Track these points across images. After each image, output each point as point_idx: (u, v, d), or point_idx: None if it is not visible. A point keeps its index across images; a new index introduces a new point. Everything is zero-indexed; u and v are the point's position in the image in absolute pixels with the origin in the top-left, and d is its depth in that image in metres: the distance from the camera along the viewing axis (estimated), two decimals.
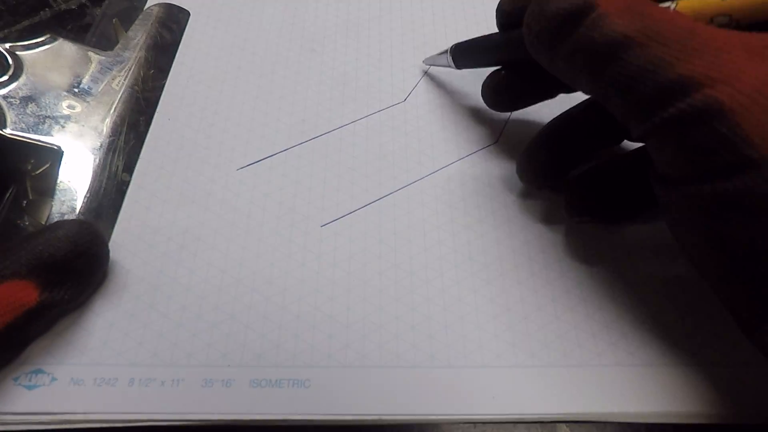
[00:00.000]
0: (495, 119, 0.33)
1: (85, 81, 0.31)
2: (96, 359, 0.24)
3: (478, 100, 0.34)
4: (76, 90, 0.31)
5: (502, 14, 0.26)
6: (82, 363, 0.23)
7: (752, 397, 0.24)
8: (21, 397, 0.22)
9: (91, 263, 0.24)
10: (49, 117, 0.29)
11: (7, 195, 0.29)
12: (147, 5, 0.37)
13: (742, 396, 0.24)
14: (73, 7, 0.39)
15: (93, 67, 0.32)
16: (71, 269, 0.23)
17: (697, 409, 0.23)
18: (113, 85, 0.32)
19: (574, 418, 0.23)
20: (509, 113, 0.33)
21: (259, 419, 0.23)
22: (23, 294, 0.22)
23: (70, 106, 0.30)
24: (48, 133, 0.29)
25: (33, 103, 0.29)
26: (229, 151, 0.31)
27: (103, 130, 0.30)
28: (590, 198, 0.26)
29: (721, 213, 0.18)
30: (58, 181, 0.28)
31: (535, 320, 0.25)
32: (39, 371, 0.23)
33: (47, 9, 0.38)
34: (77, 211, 0.27)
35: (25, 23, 0.37)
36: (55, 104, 0.30)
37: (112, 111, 0.31)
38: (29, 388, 0.23)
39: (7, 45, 0.30)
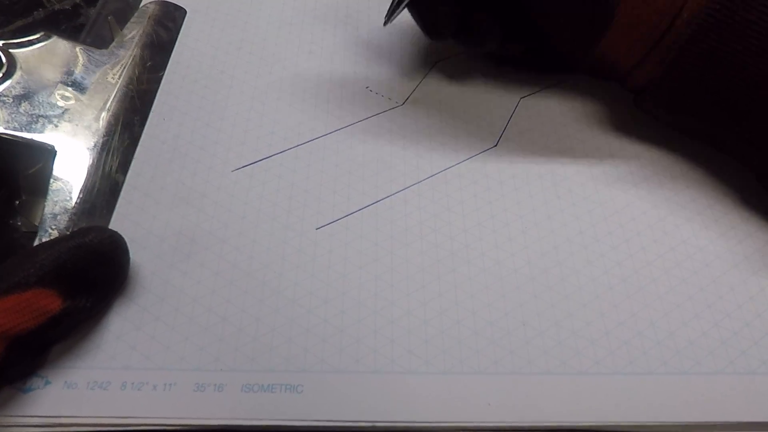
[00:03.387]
0: (494, 123, 0.33)
1: (79, 75, 0.32)
2: (89, 363, 0.24)
3: (478, 103, 0.34)
4: (69, 84, 0.31)
5: None
6: (76, 366, 0.24)
7: (756, 405, 0.24)
8: (16, 400, 0.23)
9: (114, 272, 0.25)
10: (42, 116, 0.30)
11: None
12: (143, 3, 0.38)
13: (742, 403, 0.24)
14: (67, 7, 0.39)
15: (87, 64, 0.33)
16: (94, 278, 0.24)
17: (697, 418, 0.24)
18: (108, 79, 0.32)
19: (571, 427, 0.23)
20: (509, 116, 0.34)
21: (250, 425, 0.23)
22: (47, 301, 0.22)
23: (63, 99, 0.31)
24: (41, 132, 0.29)
25: (26, 102, 0.30)
26: (224, 152, 0.31)
27: (96, 129, 0.31)
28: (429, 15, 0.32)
29: None
30: (51, 181, 0.28)
31: (534, 326, 0.26)
32: (34, 374, 0.23)
33: (41, 9, 0.39)
34: (70, 211, 0.28)
35: (19, 23, 0.38)
36: (48, 102, 0.30)
37: (106, 109, 0.31)
38: (24, 391, 0.23)
39: (0, 43, 0.31)
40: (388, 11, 0.32)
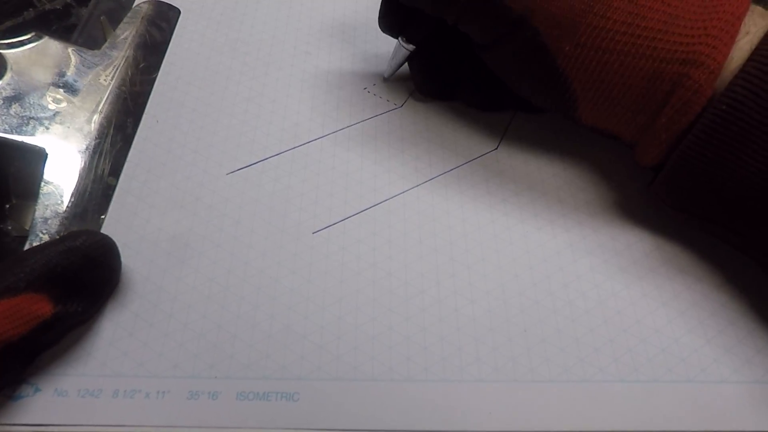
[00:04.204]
0: (494, 125, 0.34)
1: (71, 77, 0.32)
2: (80, 370, 0.24)
3: None
4: (61, 86, 0.32)
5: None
6: (67, 374, 0.24)
7: (762, 414, 0.24)
8: (5, 408, 0.23)
9: (105, 275, 0.26)
10: (33, 118, 0.30)
11: None
12: (136, 2, 0.38)
13: (748, 412, 0.24)
14: (58, 7, 0.39)
15: (79, 65, 0.33)
16: (85, 282, 0.24)
17: (703, 427, 0.24)
18: (100, 80, 0.33)
19: None
20: (509, 120, 0.34)
21: None
22: (38, 306, 0.22)
23: (55, 101, 0.31)
24: (32, 135, 0.30)
25: (17, 104, 0.30)
26: (219, 154, 0.32)
27: (88, 132, 0.31)
28: (422, 75, 0.34)
29: (512, 58, 0.28)
30: (42, 185, 0.28)
31: (536, 333, 0.26)
32: (23, 382, 0.24)
33: (31, 9, 0.39)
34: (61, 215, 0.28)
35: (9, 24, 0.38)
36: (39, 104, 0.31)
37: (98, 111, 0.32)
38: (13, 399, 0.23)
39: None
40: (388, 68, 0.35)
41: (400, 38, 0.33)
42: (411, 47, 0.33)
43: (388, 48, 0.36)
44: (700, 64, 0.24)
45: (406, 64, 0.34)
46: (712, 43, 0.24)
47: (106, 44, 0.35)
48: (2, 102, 0.30)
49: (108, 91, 0.33)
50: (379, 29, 0.33)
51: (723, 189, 0.25)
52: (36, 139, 0.30)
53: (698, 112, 0.24)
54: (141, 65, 0.35)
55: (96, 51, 0.34)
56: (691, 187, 0.26)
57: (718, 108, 0.24)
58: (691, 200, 0.26)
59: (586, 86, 0.26)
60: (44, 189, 0.28)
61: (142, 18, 0.37)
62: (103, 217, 0.29)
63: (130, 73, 0.34)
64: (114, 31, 0.36)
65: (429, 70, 0.33)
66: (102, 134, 0.31)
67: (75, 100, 0.32)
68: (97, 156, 0.30)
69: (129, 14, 0.37)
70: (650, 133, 0.26)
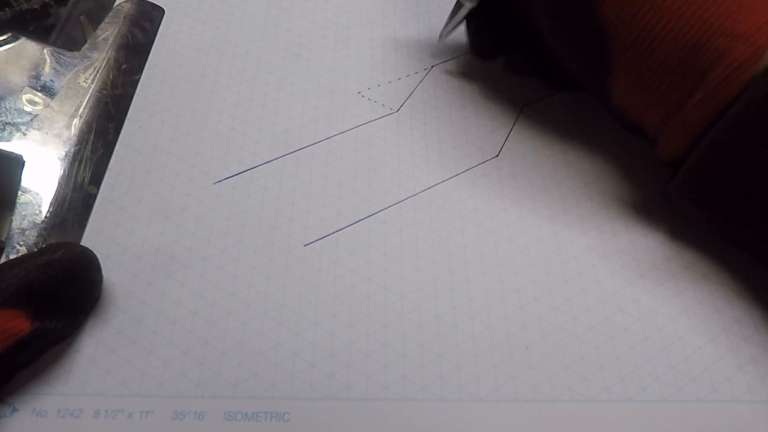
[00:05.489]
0: (496, 131, 0.34)
1: (48, 78, 0.33)
2: (60, 389, 0.24)
3: (479, 110, 0.35)
4: (38, 88, 0.32)
5: None
6: (46, 393, 0.24)
7: None
8: None
9: (85, 290, 0.26)
10: (8, 123, 0.30)
11: None
12: (117, 2, 0.38)
13: None
14: (36, 6, 0.40)
15: (57, 67, 0.33)
16: (65, 297, 0.25)
17: None
18: (80, 82, 0.33)
19: None
20: (512, 124, 0.34)
21: None
22: (15, 324, 0.23)
23: (31, 102, 0.31)
24: (8, 141, 0.30)
25: None
26: (205, 162, 0.32)
27: (68, 138, 0.31)
28: (478, 35, 0.35)
29: (552, 8, 0.28)
30: (19, 194, 0.29)
31: (538, 350, 0.26)
32: (0, 401, 0.24)
33: (7, 9, 0.39)
34: (39, 226, 0.28)
35: None
36: (15, 108, 0.31)
37: (78, 115, 0.32)
38: None
39: None
40: (445, 27, 0.36)
41: None
42: (472, 4, 0.34)
43: (384, 50, 0.36)
44: (747, 38, 0.23)
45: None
46: (762, 18, 0.23)
47: (86, 45, 0.35)
48: None
49: (88, 95, 0.33)
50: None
51: (756, 185, 0.24)
52: (12, 145, 0.30)
53: (736, 94, 0.24)
54: (123, 67, 0.35)
55: (75, 52, 0.34)
56: (719, 182, 0.25)
57: (760, 88, 0.23)
58: (717, 197, 0.26)
59: (625, 43, 0.26)
60: (21, 198, 0.29)
61: (124, 18, 0.37)
62: (83, 228, 0.29)
63: (111, 75, 0.34)
64: (94, 31, 0.36)
65: (485, 31, 0.35)
66: (82, 140, 0.31)
67: (53, 103, 0.32)
68: (76, 163, 0.31)
69: (110, 14, 0.37)
70: (681, 114, 0.26)
